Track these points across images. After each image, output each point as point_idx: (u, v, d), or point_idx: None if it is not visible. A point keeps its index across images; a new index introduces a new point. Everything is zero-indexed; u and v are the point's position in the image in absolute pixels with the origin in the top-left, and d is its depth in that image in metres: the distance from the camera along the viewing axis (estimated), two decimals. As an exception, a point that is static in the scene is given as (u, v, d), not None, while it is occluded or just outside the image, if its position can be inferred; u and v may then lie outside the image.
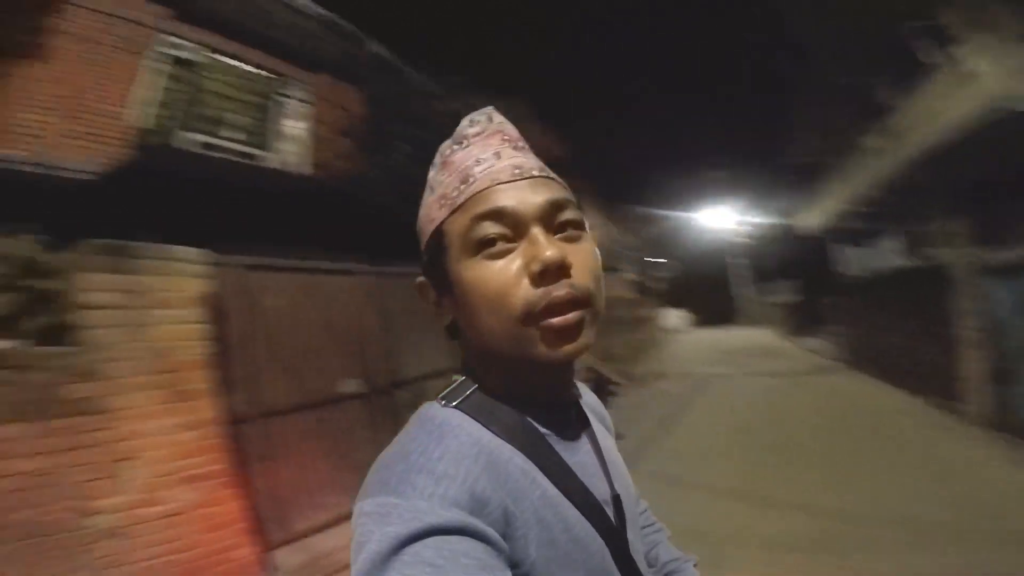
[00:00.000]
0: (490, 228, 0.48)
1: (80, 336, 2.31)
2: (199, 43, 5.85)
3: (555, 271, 0.47)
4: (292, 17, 6.49)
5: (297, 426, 3.21)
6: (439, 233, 0.52)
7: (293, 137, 6.78)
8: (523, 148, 0.55)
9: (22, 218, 2.61)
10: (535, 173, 0.52)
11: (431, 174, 0.57)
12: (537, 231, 0.49)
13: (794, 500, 3.58)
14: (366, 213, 5.26)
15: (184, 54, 5.85)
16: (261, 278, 3.21)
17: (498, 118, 0.57)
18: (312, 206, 4.38)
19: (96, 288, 2.38)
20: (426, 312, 0.56)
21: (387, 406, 4.05)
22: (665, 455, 4.94)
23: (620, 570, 0.52)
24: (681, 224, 21.23)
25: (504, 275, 0.47)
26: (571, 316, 0.47)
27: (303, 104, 6.88)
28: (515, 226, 0.49)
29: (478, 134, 0.55)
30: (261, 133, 6.36)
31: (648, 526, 0.75)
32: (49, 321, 2.38)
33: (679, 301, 27.30)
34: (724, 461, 4.61)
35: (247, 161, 5.81)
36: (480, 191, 0.50)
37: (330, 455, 3.35)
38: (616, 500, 0.55)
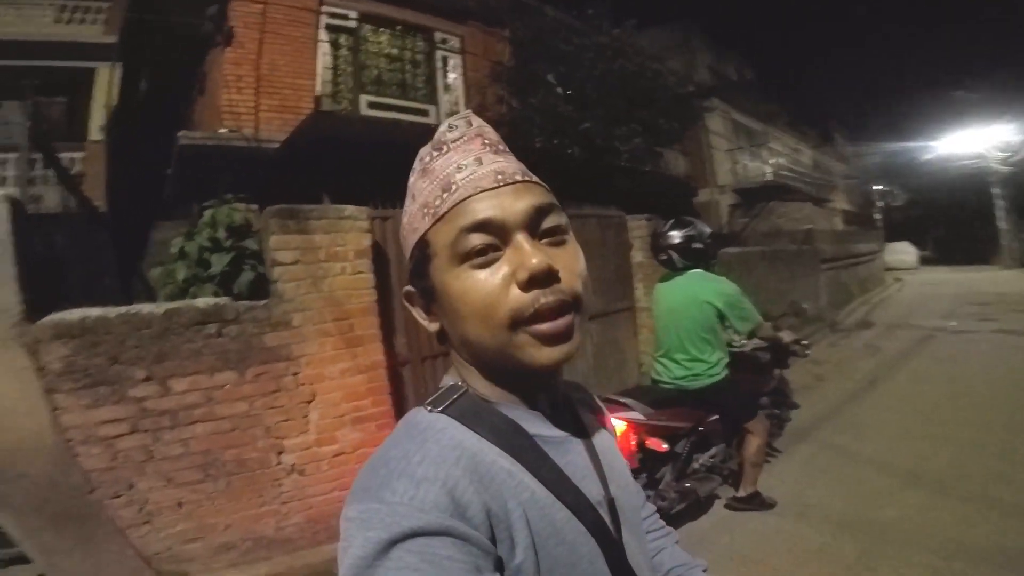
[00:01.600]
0: (476, 239, 0.48)
1: (273, 290, 2.72)
2: (356, 11, 6.21)
3: (543, 278, 0.47)
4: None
5: None
6: (423, 243, 0.52)
7: (451, 88, 6.96)
8: (504, 151, 0.55)
9: (233, 186, 3.13)
10: (518, 178, 0.51)
11: (411, 180, 0.56)
12: (522, 238, 0.49)
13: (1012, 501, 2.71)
14: (521, 155, 5.20)
15: (345, 23, 6.31)
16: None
17: (477, 122, 0.56)
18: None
19: (283, 247, 2.74)
20: (418, 317, 0.56)
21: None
22: (846, 425, 4.23)
23: (614, 573, 0.52)
24: (923, 151, 17.03)
25: (491, 283, 0.48)
26: (560, 321, 0.48)
27: (456, 55, 6.96)
28: (500, 235, 0.49)
29: (457, 139, 0.54)
30: (423, 88, 6.64)
31: (655, 530, 0.74)
32: (251, 278, 2.86)
33: (916, 237, 23.15)
34: (921, 444, 3.70)
35: (411, 117, 6.15)
36: (463, 199, 0.49)
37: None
38: (611, 502, 0.55)
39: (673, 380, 2.69)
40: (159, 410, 2.39)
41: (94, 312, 2.37)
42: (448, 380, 0.56)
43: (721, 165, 12.61)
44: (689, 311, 2.62)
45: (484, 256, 0.48)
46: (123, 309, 2.43)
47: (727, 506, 2.90)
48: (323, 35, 5.35)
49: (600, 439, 0.62)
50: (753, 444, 2.76)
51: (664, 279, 2.83)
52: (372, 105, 5.74)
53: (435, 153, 0.54)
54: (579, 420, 0.61)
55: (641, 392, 2.75)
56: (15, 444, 2.21)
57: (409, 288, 0.56)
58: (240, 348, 2.55)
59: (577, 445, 0.56)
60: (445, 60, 6.83)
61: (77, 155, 6.21)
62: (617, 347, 4.93)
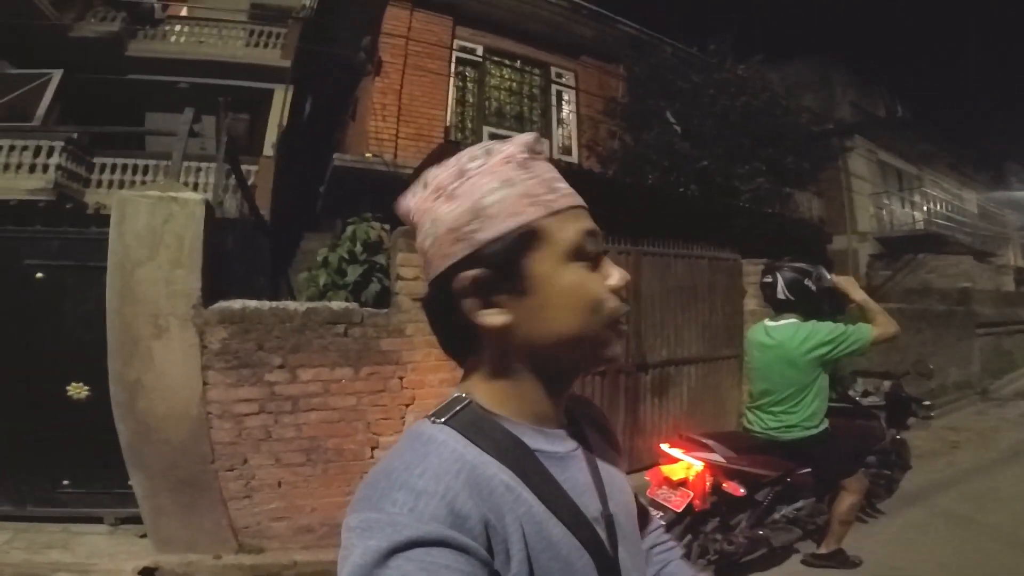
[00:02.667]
0: (591, 243, 0.54)
1: (394, 301, 3.00)
2: (482, 46, 6.68)
3: (626, 290, 0.56)
4: (549, 8, 6.70)
5: None
6: (530, 230, 0.51)
7: (564, 122, 7.17)
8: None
9: (371, 206, 3.52)
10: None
11: (489, 163, 0.54)
12: (606, 256, 0.57)
13: None
14: (626, 191, 5.18)
15: (470, 56, 6.81)
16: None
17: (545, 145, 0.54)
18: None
19: (407, 264, 3.02)
20: (471, 311, 0.52)
21: (627, 385, 4.00)
22: (971, 495, 3.76)
23: None
24: None
25: (602, 284, 0.54)
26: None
27: (569, 90, 7.16)
28: (599, 246, 0.55)
29: (540, 152, 0.57)
30: (539, 121, 6.92)
31: (659, 544, 0.74)
32: (378, 289, 3.18)
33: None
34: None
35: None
36: (574, 207, 0.54)
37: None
38: (608, 519, 0.56)
39: (765, 431, 2.56)
40: (285, 395, 2.73)
41: (251, 304, 2.80)
42: (453, 392, 0.57)
43: (863, 210, 11.46)
44: (783, 365, 2.47)
45: (595, 261, 0.54)
46: (273, 304, 2.85)
47: (804, 561, 2.72)
48: (454, 68, 5.85)
49: (603, 455, 0.63)
50: (846, 501, 2.57)
51: (756, 329, 2.69)
52: (492, 136, 6.11)
53: (531, 155, 0.55)
54: (583, 436, 0.61)
55: (728, 436, 2.68)
56: (167, 411, 2.66)
57: (480, 271, 0.50)
58: (359, 349, 2.85)
59: (578, 461, 0.57)
60: (560, 95, 7.06)
61: (253, 168, 7.30)
62: (717, 394, 4.68)
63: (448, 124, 5.46)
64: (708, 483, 2.32)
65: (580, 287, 0.52)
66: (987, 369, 8.98)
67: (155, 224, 2.68)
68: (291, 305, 2.85)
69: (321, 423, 2.79)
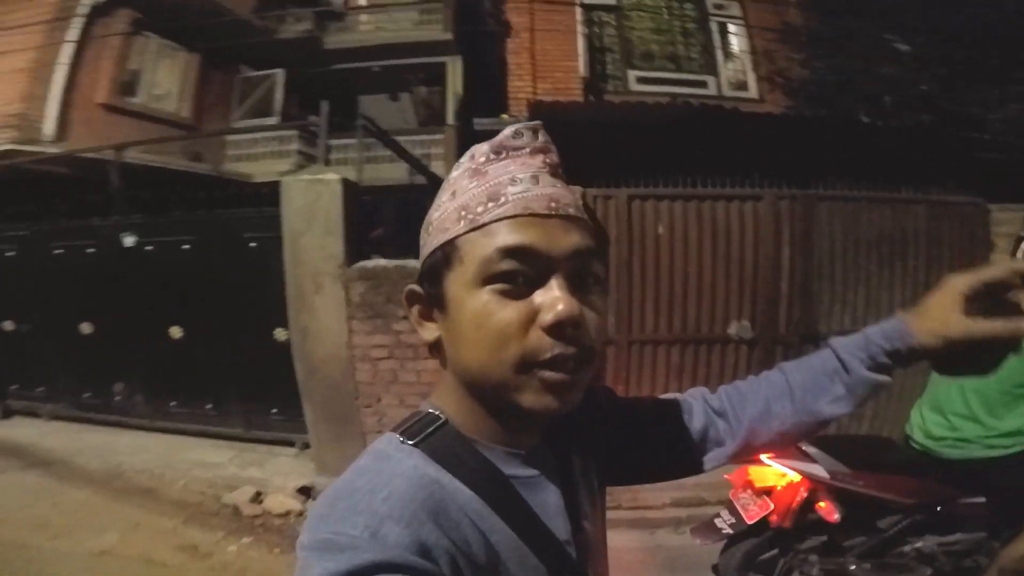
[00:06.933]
0: (510, 264, 0.45)
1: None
2: None
3: (569, 327, 0.45)
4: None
5: (661, 358, 3.28)
6: (451, 246, 0.48)
7: (734, 56, 6.10)
8: (561, 177, 0.52)
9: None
10: (571, 211, 0.48)
11: (455, 174, 0.52)
12: (558, 279, 0.46)
13: None
14: (795, 125, 4.23)
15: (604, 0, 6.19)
16: (641, 207, 3.23)
17: (544, 137, 0.51)
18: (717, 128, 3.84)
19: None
20: (412, 320, 0.53)
21: (786, 358, 3.32)
22: None
23: None
24: None
25: (511, 315, 0.45)
26: (569, 376, 0.46)
27: (734, 20, 6.00)
28: (537, 266, 0.46)
29: (519, 148, 0.50)
30: (698, 58, 6.05)
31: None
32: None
33: None
34: None
35: (686, 90, 5.74)
36: (508, 217, 0.46)
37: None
38: (580, 540, 0.54)
39: (923, 441, 2.00)
40: (407, 343, 3.08)
41: (381, 262, 3.20)
42: (427, 406, 0.54)
43: None
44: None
45: (512, 284, 0.45)
46: (398, 261, 3.19)
47: None
48: (581, 15, 5.51)
49: (579, 462, 0.60)
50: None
51: None
52: (641, 80, 5.60)
53: (492, 156, 0.50)
54: (562, 450, 0.58)
55: (855, 444, 2.30)
56: (327, 353, 3.23)
57: (414, 287, 0.53)
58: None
59: (552, 481, 0.55)
60: (723, 27, 6.03)
61: (438, 137, 8.00)
62: (927, 377, 3.65)
63: (584, 75, 5.19)
64: (798, 499, 1.95)
65: (481, 317, 0.46)
66: None
67: (309, 201, 3.23)
68: (411, 262, 3.14)
69: (434, 371, 3.07)
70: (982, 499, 1.93)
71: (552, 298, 0.45)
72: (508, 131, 0.50)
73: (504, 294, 0.45)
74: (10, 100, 5.81)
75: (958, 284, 0.55)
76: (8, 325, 4.70)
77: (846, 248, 3.49)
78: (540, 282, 0.46)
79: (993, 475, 1.87)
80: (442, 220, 0.50)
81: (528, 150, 0.50)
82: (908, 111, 5.01)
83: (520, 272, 0.45)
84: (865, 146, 4.16)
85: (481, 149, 0.51)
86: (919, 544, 2.01)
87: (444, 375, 0.53)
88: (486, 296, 0.45)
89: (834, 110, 5.43)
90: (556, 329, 0.44)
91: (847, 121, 4.83)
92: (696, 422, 0.66)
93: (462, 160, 0.52)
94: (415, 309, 0.53)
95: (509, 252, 0.45)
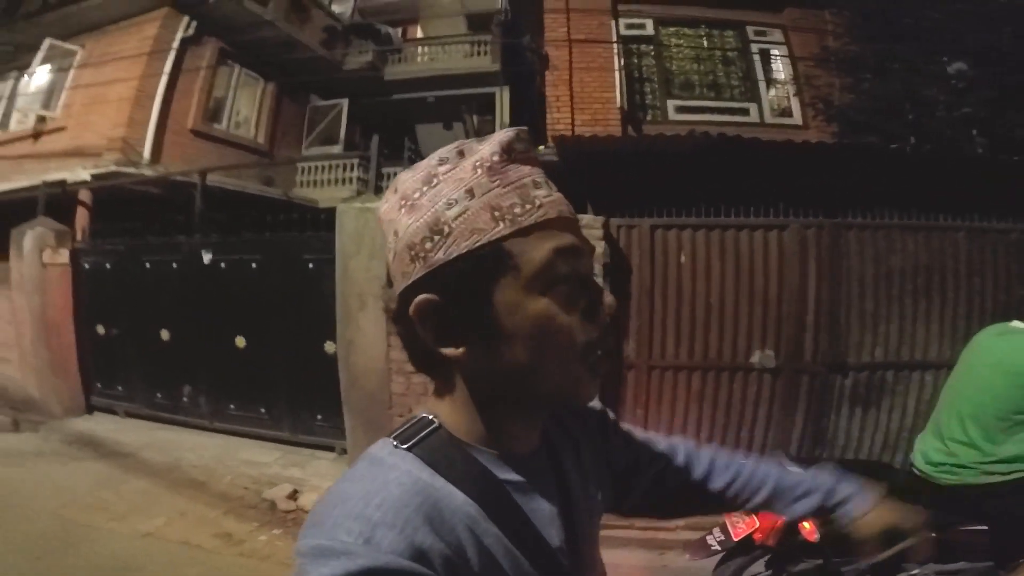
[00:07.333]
0: (567, 267, 0.47)
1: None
2: (649, 19, 6.09)
3: (608, 314, 0.50)
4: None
5: (682, 383, 3.35)
6: (494, 249, 0.45)
7: (777, 82, 6.07)
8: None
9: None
10: (576, 215, 0.52)
11: (466, 171, 0.48)
12: (592, 272, 0.52)
13: None
14: (831, 153, 4.18)
15: (639, 32, 6.28)
16: (664, 236, 3.36)
17: (534, 147, 0.53)
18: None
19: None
20: (425, 339, 0.47)
21: (811, 388, 3.35)
22: None
23: None
24: None
25: (576, 315, 0.48)
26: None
27: (777, 46, 5.97)
28: (577, 265, 0.49)
29: (524, 153, 0.50)
30: (739, 85, 6.06)
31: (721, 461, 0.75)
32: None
33: None
34: None
35: (727, 118, 5.76)
36: (550, 219, 0.47)
37: (709, 421, 3.35)
38: (573, 547, 0.54)
39: (923, 467, 2.01)
40: (440, 358, 3.31)
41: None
42: (420, 412, 0.53)
43: None
44: (994, 380, 1.84)
45: (568, 284, 0.47)
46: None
47: None
48: (618, 48, 5.65)
49: (576, 476, 0.60)
50: None
51: (990, 330, 2.04)
52: (680, 109, 5.70)
53: (504, 155, 0.48)
54: (557, 456, 0.59)
55: (848, 467, 2.11)
56: (367, 366, 3.54)
57: (430, 297, 0.46)
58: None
59: (547, 488, 0.55)
60: (765, 53, 6.03)
61: None
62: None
63: (623, 106, 5.36)
64: (781, 520, 1.95)
65: (550, 319, 0.46)
66: None
67: (359, 227, 3.60)
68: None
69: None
70: (984, 527, 1.91)
71: (598, 289, 0.50)
72: (509, 133, 0.49)
73: (563, 293, 0.47)
74: (116, 125, 6.52)
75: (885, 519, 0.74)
76: (100, 329, 5.33)
77: (878, 278, 3.44)
78: (581, 280, 0.49)
79: (991, 502, 1.85)
80: (468, 221, 0.46)
81: (530, 157, 0.51)
82: (954, 135, 4.84)
83: (572, 271, 0.47)
84: (903, 172, 4.07)
85: (488, 150, 0.48)
86: (916, 572, 2.00)
87: (444, 386, 0.52)
88: (549, 298, 0.46)
89: (879, 134, 5.31)
90: (601, 317, 0.49)
91: (889, 148, 4.71)
92: (684, 472, 0.73)
93: (463, 160, 0.49)
94: (431, 322, 0.47)
95: (564, 252, 0.47)
